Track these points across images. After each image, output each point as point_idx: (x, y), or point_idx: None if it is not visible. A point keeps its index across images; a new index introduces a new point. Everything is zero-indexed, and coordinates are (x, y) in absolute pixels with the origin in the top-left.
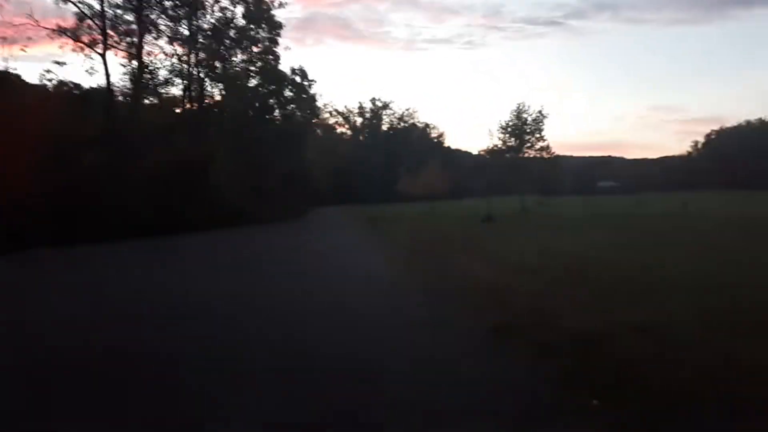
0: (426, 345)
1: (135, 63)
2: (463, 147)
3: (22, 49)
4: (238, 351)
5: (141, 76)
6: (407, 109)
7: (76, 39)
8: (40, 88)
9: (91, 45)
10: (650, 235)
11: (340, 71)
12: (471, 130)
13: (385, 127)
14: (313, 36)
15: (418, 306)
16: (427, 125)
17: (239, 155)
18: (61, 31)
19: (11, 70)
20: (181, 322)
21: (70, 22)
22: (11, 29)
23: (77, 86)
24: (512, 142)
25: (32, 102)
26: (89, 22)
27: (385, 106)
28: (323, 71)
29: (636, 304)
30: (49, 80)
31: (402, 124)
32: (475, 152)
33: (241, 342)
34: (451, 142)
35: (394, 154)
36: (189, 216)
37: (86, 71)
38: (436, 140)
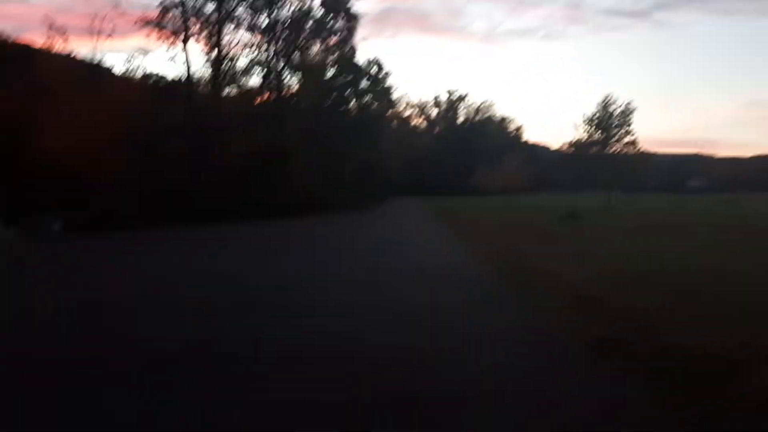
0: (525, 366)
1: (215, 52)
2: (541, 141)
3: (110, 40)
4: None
5: (221, 66)
6: (484, 102)
7: (161, 29)
8: (126, 79)
9: (175, 34)
10: (756, 239)
11: (417, 64)
12: (550, 125)
13: (461, 120)
14: (390, 29)
15: (508, 313)
16: (504, 118)
17: (316, 145)
18: (146, 22)
19: (100, 62)
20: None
21: (153, 13)
22: (100, 22)
23: (161, 77)
24: (598, 135)
25: (119, 92)
26: (172, 12)
27: (462, 98)
28: (400, 64)
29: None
30: (135, 70)
31: (478, 116)
32: (553, 147)
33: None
34: (529, 136)
35: (470, 146)
36: (267, 203)
37: (169, 60)
38: (513, 134)
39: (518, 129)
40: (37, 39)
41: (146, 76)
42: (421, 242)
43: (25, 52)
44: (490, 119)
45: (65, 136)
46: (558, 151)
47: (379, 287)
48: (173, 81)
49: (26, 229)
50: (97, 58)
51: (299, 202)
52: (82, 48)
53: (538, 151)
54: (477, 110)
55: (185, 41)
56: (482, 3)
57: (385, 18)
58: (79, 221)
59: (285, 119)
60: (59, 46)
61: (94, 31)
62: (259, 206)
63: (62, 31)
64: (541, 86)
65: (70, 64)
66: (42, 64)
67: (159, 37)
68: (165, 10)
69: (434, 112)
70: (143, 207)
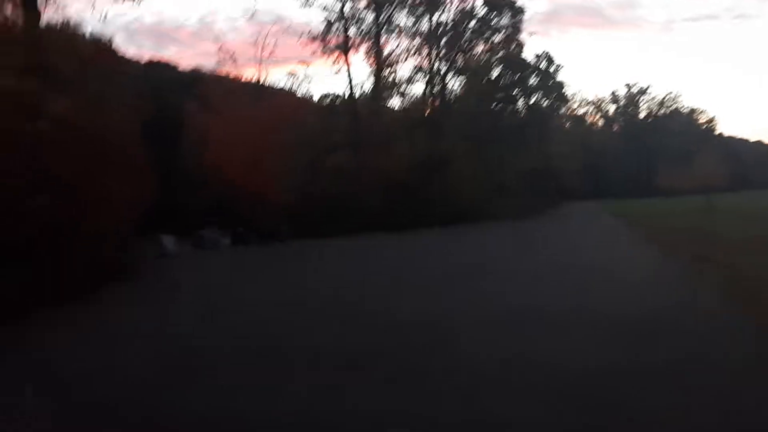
0: None
1: (375, 63)
2: (739, 134)
3: (275, 58)
4: None
5: (381, 76)
6: (668, 94)
7: (324, 44)
8: (290, 95)
9: (338, 48)
10: None
11: (590, 61)
12: (747, 115)
13: (642, 115)
14: (558, 27)
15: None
16: (693, 110)
17: (480, 149)
18: (312, 38)
19: (265, 81)
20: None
21: (315, 29)
22: (265, 42)
23: (326, 94)
24: None
25: (284, 108)
26: (335, 26)
27: (642, 91)
28: (571, 63)
29: None
30: (298, 86)
31: (663, 110)
32: (753, 139)
33: None
34: (724, 128)
35: (654, 143)
36: (428, 213)
37: (332, 74)
38: (704, 127)
39: (710, 122)
40: (208, 62)
41: (309, 92)
42: (622, 269)
43: (197, 75)
44: (676, 113)
45: (233, 153)
46: (761, 143)
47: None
48: (336, 95)
49: (197, 244)
50: (263, 76)
51: (461, 210)
52: (249, 68)
53: (734, 145)
54: (661, 104)
55: (346, 54)
56: None
57: (552, 18)
58: (246, 235)
59: (448, 125)
60: (227, 67)
61: (259, 51)
62: (420, 216)
63: (230, 54)
64: (734, 73)
65: (237, 85)
66: (211, 86)
67: (322, 53)
68: (329, 25)
69: (612, 108)
70: (307, 220)
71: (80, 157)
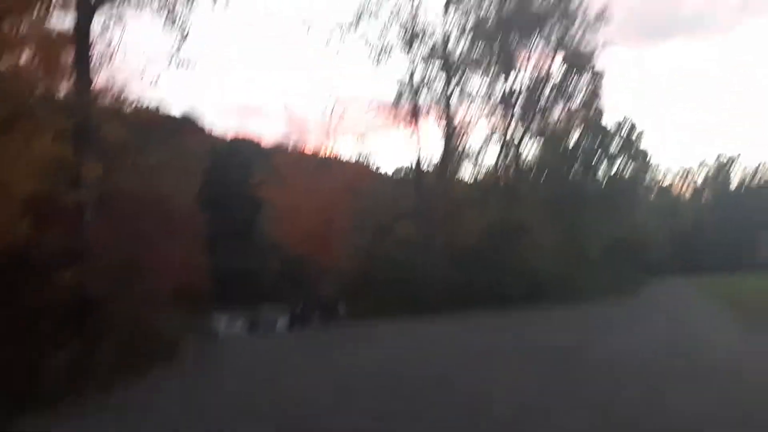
0: None
1: (446, 129)
2: None
3: (342, 128)
4: None
5: (452, 143)
6: (762, 163)
7: (396, 111)
8: (357, 165)
9: (408, 116)
10: None
11: (675, 127)
12: None
13: (733, 185)
14: (643, 90)
15: None
16: None
17: (557, 220)
18: (382, 106)
19: (331, 153)
20: None
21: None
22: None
23: (399, 168)
24: None
25: (349, 177)
26: (405, 94)
27: (733, 160)
28: (656, 130)
29: None
30: (365, 156)
31: (756, 180)
32: None
33: None
34: None
35: (748, 214)
36: (500, 287)
37: (401, 143)
38: None
39: None
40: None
41: (377, 162)
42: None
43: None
44: None
45: (297, 223)
46: None
47: None
48: (404, 166)
49: (252, 327)
50: (330, 147)
51: (539, 284)
52: (319, 139)
53: None
54: (755, 172)
55: (415, 121)
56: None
57: (635, 81)
58: (304, 315)
59: (521, 193)
60: (296, 139)
61: (329, 122)
62: (492, 291)
63: (300, 126)
64: None
65: (304, 156)
66: (279, 158)
67: (394, 121)
68: (400, 92)
69: (700, 178)
70: (368, 297)
71: (124, 227)
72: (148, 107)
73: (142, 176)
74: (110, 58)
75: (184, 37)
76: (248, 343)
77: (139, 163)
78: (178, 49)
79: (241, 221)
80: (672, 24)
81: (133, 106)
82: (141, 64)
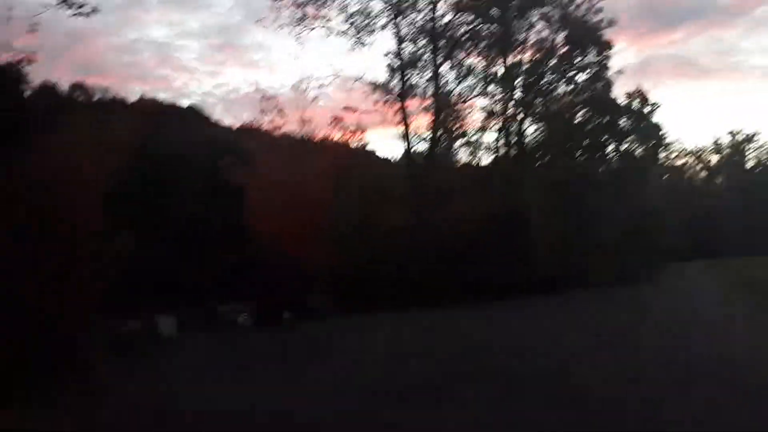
0: None
1: (437, 111)
2: None
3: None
4: None
5: (447, 123)
6: None
7: (387, 93)
8: (339, 147)
9: (397, 97)
10: None
11: (686, 113)
12: None
13: (749, 165)
14: (651, 79)
15: None
16: None
17: (564, 203)
18: (373, 86)
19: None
20: None
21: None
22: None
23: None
24: None
25: (332, 161)
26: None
27: (749, 139)
28: (666, 115)
29: None
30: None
31: None
32: None
33: None
34: None
35: (764, 195)
36: (499, 279)
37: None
38: None
39: None
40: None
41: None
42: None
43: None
44: None
45: (268, 210)
46: None
47: None
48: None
49: (206, 325)
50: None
51: (546, 274)
52: (294, 120)
53: None
54: None
55: (404, 102)
56: (759, 35)
57: (644, 70)
58: (274, 311)
59: (523, 177)
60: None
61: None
62: (487, 282)
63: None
64: None
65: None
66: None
67: (383, 104)
68: (391, 71)
69: (714, 158)
70: (353, 289)
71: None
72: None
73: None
74: None
75: None
76: (192, 344)
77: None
78: None
79: (204, 208)
80: (680, 12)
81: None
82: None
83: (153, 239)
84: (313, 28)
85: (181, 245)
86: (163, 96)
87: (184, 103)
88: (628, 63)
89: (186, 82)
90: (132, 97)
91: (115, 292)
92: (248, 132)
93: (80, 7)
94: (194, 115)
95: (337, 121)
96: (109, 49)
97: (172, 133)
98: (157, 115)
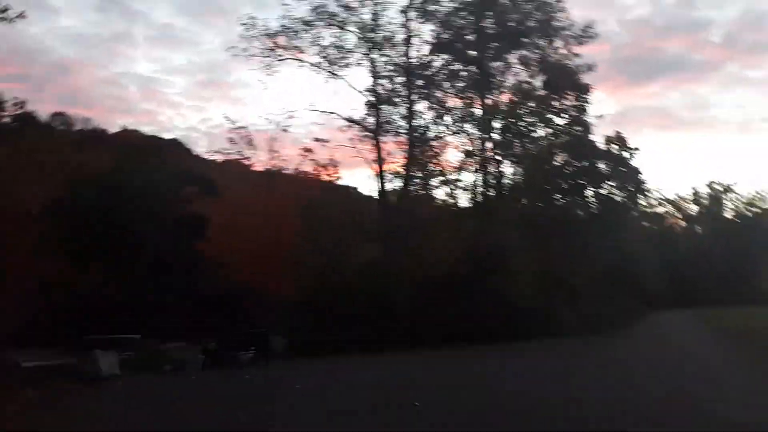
0: None
1: (408, 147)
2: None
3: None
4: None
5: (425, 162)
6: (757, 193)
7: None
8: (310, 180)
9: (371, 133)
10: None
11: (665, 162)
12: None
13: (728, 215)
14: (630, 128)
15: None
16: None
17: (540, 246)
18: (350, 122)
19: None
20: None
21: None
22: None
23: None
24: None
25: (302, 194)
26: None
27: (727, 190)
28: (645, 163)
29: None
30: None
31: (751, 209)
32: None
33: None
34: None
35: (743, 245)
36: (476, 321)
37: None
38: None
39: None
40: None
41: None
42: None
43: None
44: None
45: (234, 244)
46: None
47: None
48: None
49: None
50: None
51: (520, 318)
52: (264, 152)
53: None
54: (749, 202)
55: (377, 138)
56: (732, 91)
57: (623, 120)
58: (222, 352)
59: (503, 215)
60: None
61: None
62: (458, 327)
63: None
64: None
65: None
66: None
67: (355, 138)
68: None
69: (693, 208)
70: (321, 331)
71: None
72: None
73: None
74: None
75: None
76: (125, 387)
77: None
78: None
79: (160, 240)
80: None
81: None
82: None
83: (110, 272)
84: (284, 59)
85: (138, 279)
86: (148, 129)
87: (168, 136)
88: (606, 112)
89: (171, 116)
90: (114, 128)
91: (46, 325)
92: (223, 165)
93: (3, 11)
94: (176, 148)
95: (307, 154)
96: (95, 81)
97: (143, 165)
98: (134, 147)
